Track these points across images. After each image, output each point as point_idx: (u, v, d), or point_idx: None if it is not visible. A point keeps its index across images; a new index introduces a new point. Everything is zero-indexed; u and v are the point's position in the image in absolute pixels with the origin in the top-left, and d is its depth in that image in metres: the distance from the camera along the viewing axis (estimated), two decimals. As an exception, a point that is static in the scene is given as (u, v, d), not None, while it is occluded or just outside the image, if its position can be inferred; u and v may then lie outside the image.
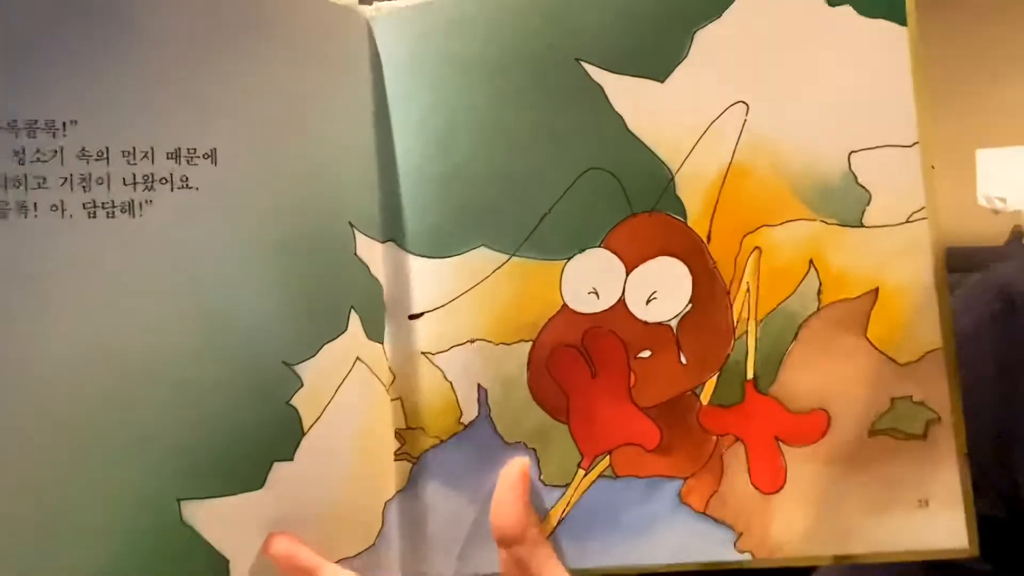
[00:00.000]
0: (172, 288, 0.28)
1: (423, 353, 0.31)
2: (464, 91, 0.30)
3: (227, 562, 0.29)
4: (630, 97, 0.30)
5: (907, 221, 0.30)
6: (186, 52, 0.28)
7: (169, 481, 0.28)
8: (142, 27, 0.28)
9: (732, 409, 0.30)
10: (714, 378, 0.30)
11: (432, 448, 0.30)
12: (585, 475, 0.30)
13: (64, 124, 0.27)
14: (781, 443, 0.30)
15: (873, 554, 0.29)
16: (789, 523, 0.29)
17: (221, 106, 0.29)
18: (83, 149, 0.27)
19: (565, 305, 0.30)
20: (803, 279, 0.30)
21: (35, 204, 0.27)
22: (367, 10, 0.32)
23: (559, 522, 0.30)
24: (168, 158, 0.28)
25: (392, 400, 0.31)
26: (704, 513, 0.29)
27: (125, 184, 0.28)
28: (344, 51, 0.31)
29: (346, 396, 0.30)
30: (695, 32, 0.30)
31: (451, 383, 0.30)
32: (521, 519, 0.28)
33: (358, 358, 0.30)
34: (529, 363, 0.30)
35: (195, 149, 0.28)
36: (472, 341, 0.30)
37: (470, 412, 0.30)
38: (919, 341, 0.29)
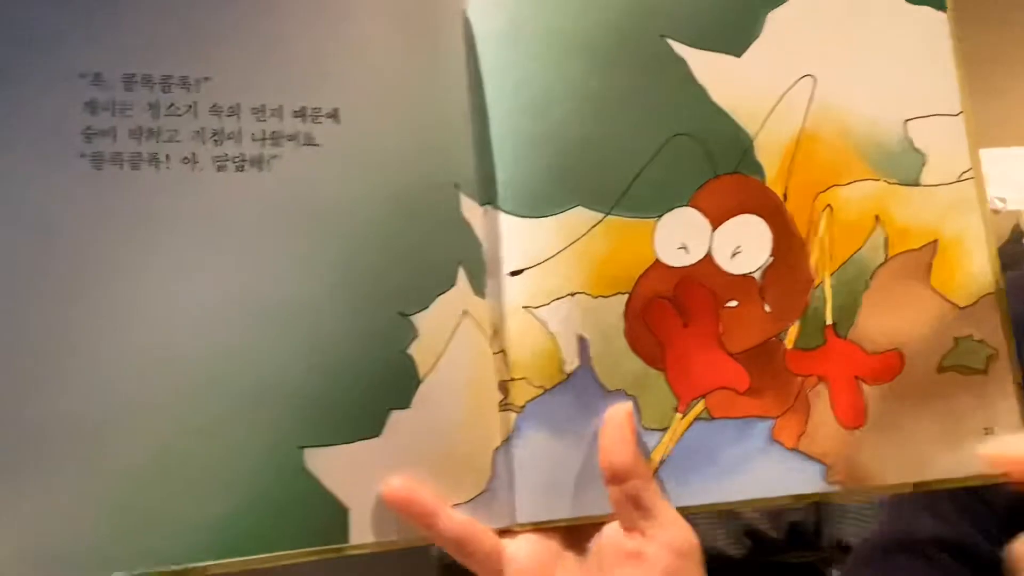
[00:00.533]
0: (296, 241, 0.29)
1: (525, 307, 0.32)
2: (558, 62, 0.33)
3: (347, 510, 0.29)
4: (711, 70, 0.33)
5: (958, 180, 0.33)
6: (311, 17, 0.30)
7: (292, 429, 0.29)
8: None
9: (814, 352, 0.32)
10: (796, 324, 0.32)
11: (535, 398, 0.32)
12: (682, 418, 0.32)
13: (198, 80, 0.28)
14: (861, 382, 0.32)
15: (947, 480, 0.31)
16: (872, 455, 0.32)
17: (342, 69, 0.30)
18: (215, 105, 0.28)
19: (657, 260, 0.32)
20: (871, 233, 0.33)
21: (167, 156, 0.28)
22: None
23: (660, 463, 0.32)
24: (294, 116, 0.29)
25: (495, 353, 0.32)
26: (795, 449, 0.32)
27: (254, 139, 0.29)
28: (438, 27, 0.33)
29: (456, 347, 0.31)
30: (768, 13, 0.33)
31: (553, 335, 0.32)
32: (633, 455, 0.30)
33: (465, 311, 0.32)
34: (625, 314, 0.32)
35: (319, 108, 0.30)
36: (572, 295, 0.32)
37: (572, 362, 0.32)
38: (975, 286, 0.33)
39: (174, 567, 0.26)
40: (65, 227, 0.26)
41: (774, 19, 0.33)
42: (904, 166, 0.33)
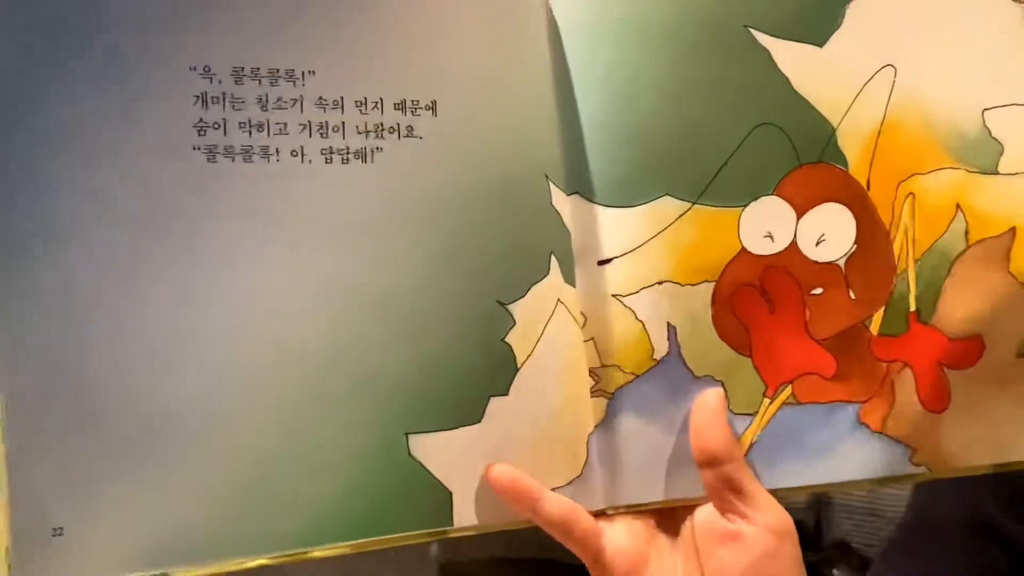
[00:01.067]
0: (399, 231, 0.30)
1: (614, 295, 0.33)
2: (644, 51, 0.33)
3: (450, 494, 0.30)
4: (793, 60, 0.33)
5: (1035, 169, 0.34)
6: (408, 11, 0.30)
7: (398, 416, 0.29)
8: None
9: (899, 338, 0.33)
10: (881, 311, 0.33)
11: (626, 384, 0.32)
12: (770, 403, 0.33)
13: (303, 73, 0.29)
14: (943, 366, 0.33)
15: (1029, 462, 0.32)
16: (955, 437, 0.32)
17: (437, 62, 0.31)
18: (321, 98, 0.29)
19: (743, 248, 0.33)
20: (952, 221, 0.34)
21: (277, 149, 0.28)
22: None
23: (749, 447, 0.32)
24: (395, 109, 0.30)
25: (585, 341, 0.33)
26: (880, 432, 0.32)
27: (358, 132, 0.29)
28: (523, 20, 0.33)
29: (551, 335, 0.32)
30: (848, 4, 0.34)
31: (643, 322, 0.33)
32: (727, 439, 0.30)
33: (559, 300, 0.32)
34: (713, 302, 0.33)
35: (418, 101, 0.30)
36: (660, 283, 0.33)
37: (661, 348, 0.32)
38: (1054, 273, 0.33)
39: (294, 551, 0.27)
40: (183, 219, 0.27)
41: (854, 10, 0.34)
42: (983, 155, 0.34)
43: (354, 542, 0.28)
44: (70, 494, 0.25)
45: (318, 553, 0.28)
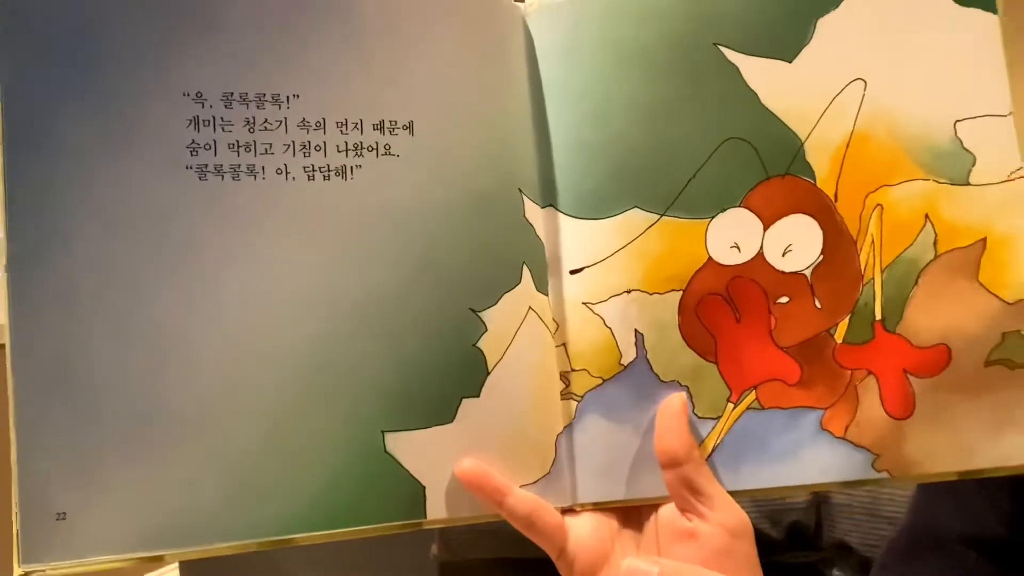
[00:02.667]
0: (377, 243, 0.32)
1: (584, 303, 0.34)
2: (617, 70, 0.35)
3: (423, 488, 0.32)
4: (762, 76, 0.34)
5: (1007, 179, 0.34)
6: (389, 37, 0.32)
7: (374, 415, 0.32)
8: (360, 14, 0.32)
9: (864, 346, 0.34)
10: (846, 319, 0.34)
11: (595, 387, 0.34)
12: (734, 408, 0.34)
13: (288, 97, 0.31)
14: (909, 375, 0.33)
15: (993, 468, 0.33)
16: (919, 445, 0.33)
17: (414, 85, 0.33)
18: (304, 120, 0.31)
19: (710, 258, 0.34)
20: (920, 231, 0.34)
21: (263, 168, 0.31)
22: (522, 7, 0.36)
23: (713, 449, 0.34)
24: (374, 129, 0.32)
25: (556, 346, 0.34)
26: (843, 438, 0.33)
27: (339, 151, 0.31)
28: (501, 41, 0.35)
29: (522, 340, 0.33)
30: (818, 20, 0.35)
31: (611, 329, 0.34)
32: (687, 441, 0.32)
33: (530, 307, 0.34)
34: (680, 310, 0.34)
35: (396, 121, 0.32)
36: (629, 291, 0.34)
37: (629, 354, 0.34)
38: (1023, 282, 0.34)
39: (277, 538, 0.30)
40: (177, 231, 0.30)
41: (824, 25, 0.34)
42: (954, 166, 0.34)
43: (333, 531, 0.31)
44: (73, 483, 0.28)
45: (301, 540, 0.31)
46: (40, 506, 0.27)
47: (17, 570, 0.27)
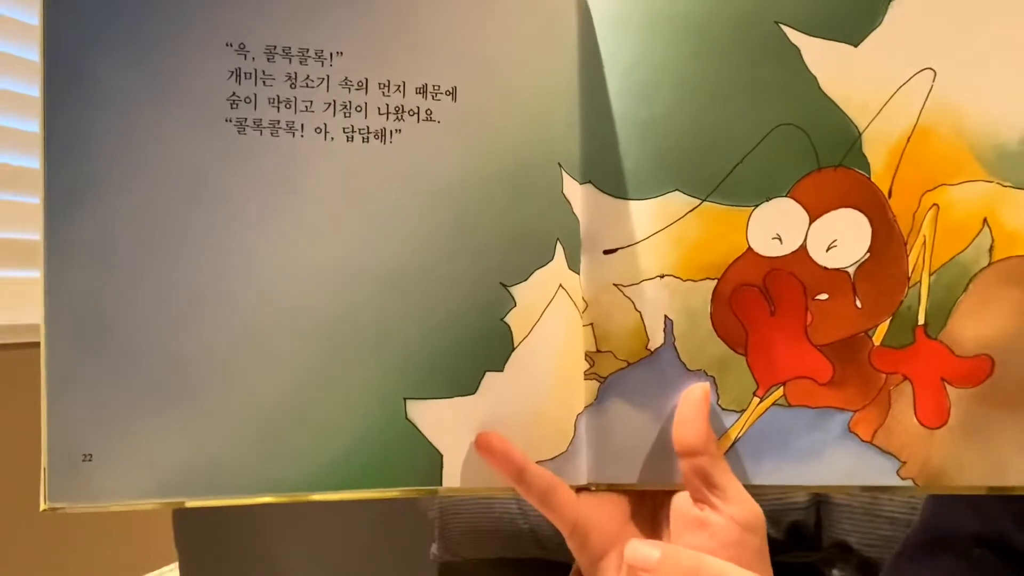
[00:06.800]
0: (412, 210, 0.32)
1: (615, 285, 0.34)
2: (668, 46, 0.33)
3: (441, 456, 0.32)
4: (824, 59, 0.33)
5: (1078, 188, 0.32)
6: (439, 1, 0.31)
7: (398, 383, 0.32)
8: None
9: (902, 351, 0.32)
10: (887, 321, 0.33)
11: (619, 370, 0.34)
12: (760, 402, 0.33)
13: (331, 54, 0.30)
14: (946, 383, 0.32)
15: (1025, 488, 0.32)
16: (949, 455, 0.32)
17: (460, 49, 0.32)
18: (346, 78, 0.31)
19: (750, 248, 0.33)
20: (977, 235, 0.32)
21: (302, 125, 0.30)
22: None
23: (734, 442, 0.33)
24: (416, 93, 0.31)
25: (584, 326, 0.34)
26: (870, 443, 0.32)
27: (379, 113, 0.31)
28: (555, 11, 0.34)
29: (550, 318, 0.33)
30: (892, 2, 0.32)
31: (640, 313, 0.33)
32: (704, 433, 0.31)
33: (560, 285, 0.33)
34: (713, 299, 0.33)
35: (439, 86, 0.31)
36: (662, 276, 0.33)
37: (656, 340, 0.33)
38: (1082, 299, 0.32)
39: (293, 494, 0.30)
40: (214, 184, 0.30)
41: (897, 8, 0.32)
42: (1021, 168, 0.32)
43: (350, 491, 0.31)
44: (100, 426, 0.28)
45: (317, 497, 0.31)
46: (68, 447, 0.28)
47: (43, 505, 0.28)
